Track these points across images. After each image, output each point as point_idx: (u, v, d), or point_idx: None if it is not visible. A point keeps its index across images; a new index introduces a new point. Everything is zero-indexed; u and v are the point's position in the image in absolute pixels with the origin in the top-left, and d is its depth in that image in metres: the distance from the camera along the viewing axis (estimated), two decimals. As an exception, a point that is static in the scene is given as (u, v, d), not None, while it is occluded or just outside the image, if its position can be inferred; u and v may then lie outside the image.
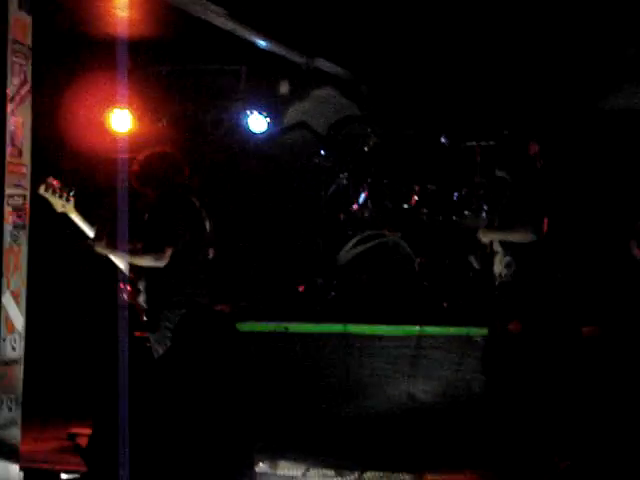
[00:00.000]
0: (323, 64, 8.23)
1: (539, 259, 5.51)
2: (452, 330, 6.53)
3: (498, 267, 5.63)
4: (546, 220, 5.45)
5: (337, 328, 6.68)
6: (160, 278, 5.28)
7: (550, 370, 5.58)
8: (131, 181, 5.46)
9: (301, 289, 7.70)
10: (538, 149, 5.79)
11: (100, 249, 5.25)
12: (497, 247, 5.61)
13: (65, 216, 5.30)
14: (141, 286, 5.35)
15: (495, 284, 5.60)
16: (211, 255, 5.61)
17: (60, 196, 5.22)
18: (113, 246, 5.25)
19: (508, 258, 5.56)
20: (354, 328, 6.64)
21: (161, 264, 5.18)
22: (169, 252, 5.18)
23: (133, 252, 5.25)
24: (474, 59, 7.72)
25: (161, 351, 5.13)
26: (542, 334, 5.53)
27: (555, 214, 5.57)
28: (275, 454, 5.77)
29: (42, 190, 5.20)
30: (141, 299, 5.33)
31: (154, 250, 5.18)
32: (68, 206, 5.25)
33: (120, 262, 5.38)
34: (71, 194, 5.24)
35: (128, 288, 5.36)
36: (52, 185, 5.21)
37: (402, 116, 8.47)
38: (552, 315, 5.59)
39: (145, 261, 5.24)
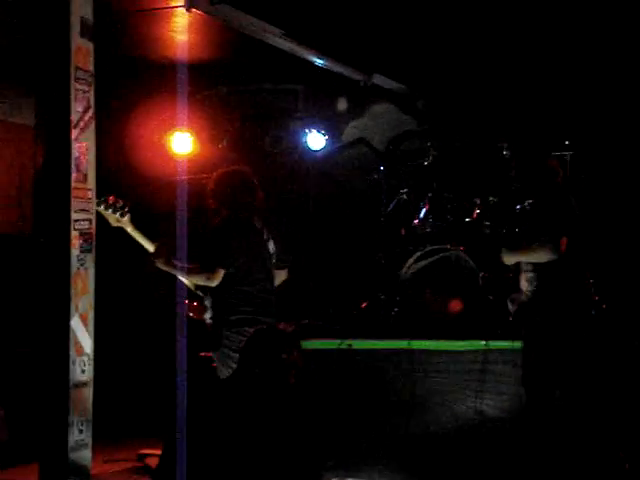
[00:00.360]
0: (380, 80, 8.23)
1: (561, 274, 5.52)
2: (518, 344, 6.44)
3: (524, 284, 5.64)
4: (565, 239, 5.47)
5: (401, 344, 6.63)
6: (222, 296, 5.33)
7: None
8: (206, 198, 5.55)
9: (364, 306, 7.67)
10: (557, 163, 5.82)
11: (160, 265, 5.34)
12: (524, 265, 5.65)
13: (131, 238, 5.38)
14: (207, 303, 5.40)
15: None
16: (284, 277, 5.65)
17: (114, 211, 5.29)
18: (172, 264, 5.32)
19: (530, 274, 5.58)
20: (418, 344, 6.58)
21: (212, 284, 5.28)
22: (221, 273, 5.26)
23: (189, 271, 5.32)
24: (532, 69, 7.66)
25: (224, 370, 5.15)
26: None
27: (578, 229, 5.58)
28: (345, 472, 5.75)
29: (96, 205, 5.28)
30: (207, 316, 5.39)
31: (206, 270, 5.26)
32: (123, 220, 5.33)
33: (184, 279, 5.44)
34: (125, 209, 5.31)
35: (194, 304, 5.41)
36: (106, 200, 5.29)
37: (461, 129, 8.43)
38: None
39: (198, 280, 5.33)
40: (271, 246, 5.57)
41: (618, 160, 6.91)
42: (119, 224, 5.35)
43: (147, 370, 7.59)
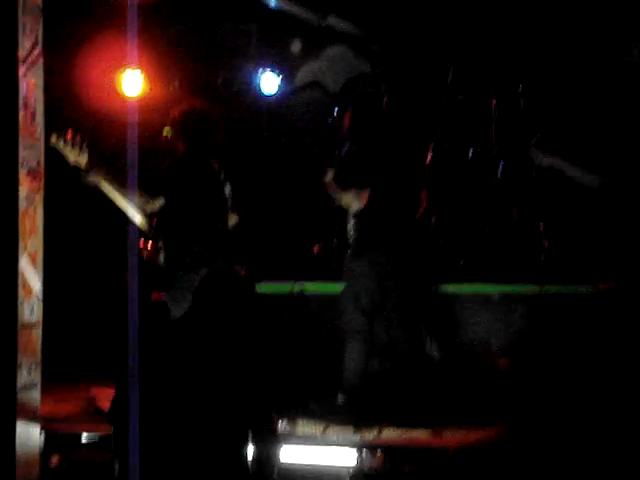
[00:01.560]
0: (335, 22, 8.15)
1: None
2: (469, 288, 6.53)
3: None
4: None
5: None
6: (176, 237, 5.28)
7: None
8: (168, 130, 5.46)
9: (316, 249, 7.69)
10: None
11: (93, 178, 5.14)
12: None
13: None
14: (161, 244, 5.34)
15: None
16: (234, 221, 5.60)
17: (73, 146, 5.14)
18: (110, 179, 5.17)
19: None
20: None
21: (148, 209, 5.18)
22: (160, 200, 5.19)
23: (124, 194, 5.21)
24: (487, 13, 7.64)
25: (176, 312, 5.13)
26: None
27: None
28: (294, 413, 5.80)
29: (54, 140, 5.10)
30: (161, 257, 5.33)
31: (147, 193, 5.15)
32: (81, 157, 5.18)
33: (135, 218, 5.34)
34: (84, 144, 5.17)
35: (148, 245, 5.34)
36: (65, 135, 5.12)
37: (415, 73, 8.40)
38: None
39: (135, 202, 5.22)
40: (227, 189, 5.52)
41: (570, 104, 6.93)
42: (77, 162, 5.21)
43: (98, 312, 7.54)
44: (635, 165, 6.20)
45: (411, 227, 5.92)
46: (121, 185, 5.25)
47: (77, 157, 5.09)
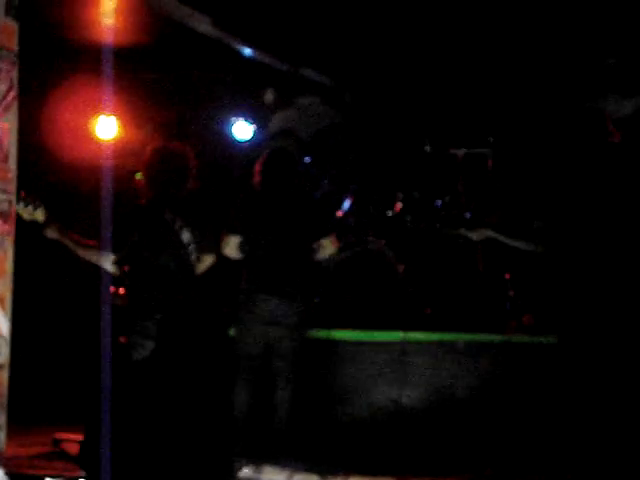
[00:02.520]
0: (308, 72, 8.28)
1: None
2: (435, 336, 6.58)
3: None
4: None
5: (321, 334, 6.71)
6: (133, 284, 5.32)
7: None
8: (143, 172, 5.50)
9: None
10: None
11: (51, 233, 5.23)
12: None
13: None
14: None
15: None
16: (210, 261, 5.61)
17: (26, 205, 5.22)
18: (65, 234, 5.22)
19: None
20: (338, 334, 6.67)
21: (104, 265, 5.23)
22: (111, 257, 5.25)
23: (83, 245, 5.25)
24: (456, 67, 7.79)
25: (136, 356, 5.14)
26: None
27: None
28: (259, 459, 5.79)
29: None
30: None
31: (101, 249, 5.20)
32: (37, 214, 5.25)
33: (105, 264, 5.38)
34: (36, 202, 5.25)
35: (120, 291, 5.38)
36: (18, 195, 5.23)
37: (386, 124, 8.52)
38: None
39: (89, 256, 5.27)
40: (185, 236, 5.52)
41: (537, 156, 7.06)
42: (31, 217, 5.28)
43: (64, 355, 7.51)
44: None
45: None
46: (85, 235, 5.32)
47: (31, 214, 5.18)
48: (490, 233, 5.27)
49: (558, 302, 4.46)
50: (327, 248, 5.95)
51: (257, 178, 6.07)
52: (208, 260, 5.67)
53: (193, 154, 5.63)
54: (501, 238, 5.26)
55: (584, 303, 4.32)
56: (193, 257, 5.48)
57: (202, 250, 5.59)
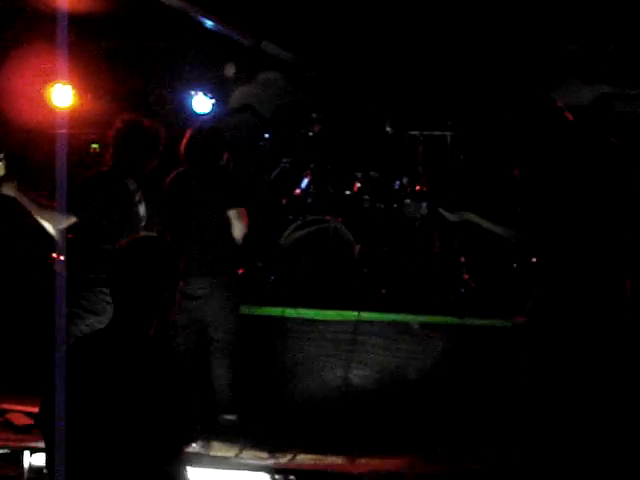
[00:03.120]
0: (270, 47, 8.20)
1: None
2: (390, 317, 6.59)
3: None
4: None
5: (275, 312, 6.69)
6: (82, 253, 5.24)
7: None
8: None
9: (241, 272, 7.67)
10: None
11: (6, 190, 5.12)
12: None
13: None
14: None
15: None
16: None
17: None
18: (24, 192, 5.12)
19: None
20: (292, 312, 6.65)
21: (58, 226, 5.13)
22: (71, 219, 5.15)
23: (40, 205, 5.16)
24: (418, 49, 7.77)
25: (73, 329, 5.07)
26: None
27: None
28: (209, 435, 5.77)
29: None
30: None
31: (59, 211, 5.11)
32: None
33: (52, 230, 5.28)
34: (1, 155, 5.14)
35: (62, 259, 5.29)
36: None
37: (347, 103, 8.49)
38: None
39: (46, 218, 5.18)
40: (142, 209, 5.47)
41: (495, 141, 7.09)
42: None
43: (9, 325, 7.39)
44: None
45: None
46: (47, 197, 5.22)
47: None
48: (472, 217, 5.25)
49: (531, 288, 4.45)
50: (236, 222, 5.85)
51: (182, 155, 6.00)
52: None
53: (165, 133, 5.59)
54: (483, 222, 5.24)
55: (559, 288, 4.31)
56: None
57: (150, 227, 5.54)
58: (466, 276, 7.22)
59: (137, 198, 5.42)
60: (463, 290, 7.11)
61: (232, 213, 5.84)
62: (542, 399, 4.41)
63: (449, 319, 6.52)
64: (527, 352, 4.52)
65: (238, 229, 5.87)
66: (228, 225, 5.87)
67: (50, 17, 6.11)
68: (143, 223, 5.48)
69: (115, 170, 5.42)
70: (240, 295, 6.12)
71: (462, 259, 7.33)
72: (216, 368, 5.90)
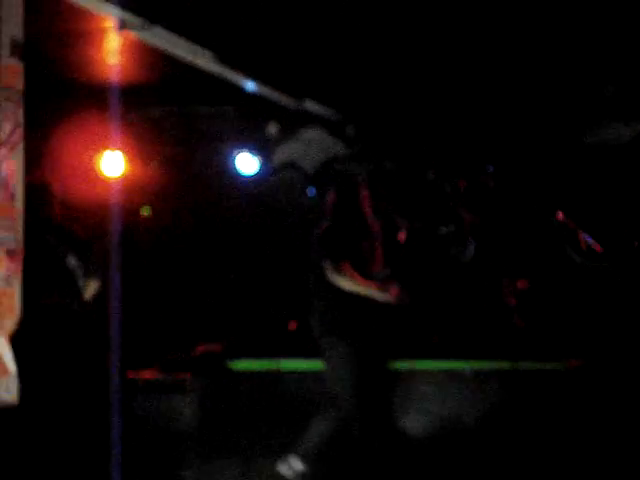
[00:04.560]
0: (311, 106, 8.35)
1: None
2: (443, 364, 6.58)
3: None
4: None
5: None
6: None
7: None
8: None
9: (293, 326, 7.74)
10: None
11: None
12: None
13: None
14: None
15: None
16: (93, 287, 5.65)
17: None
18: None
19: None
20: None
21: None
22: None
23: None
24: (455, 97, 7.85)
25: None
26: None
27: None
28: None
29: None
30: None
31: None
32: None
33: None
34: None
35: None
36: None
37: (389, 154, 8.58)
38: None
39: None
40: (72, 260, 5.58)
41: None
42: None
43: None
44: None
45: None
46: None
47: None
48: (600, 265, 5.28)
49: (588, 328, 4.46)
50: None
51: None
52: (92, 285, 5.69)
53: (57, 182, 5.73)
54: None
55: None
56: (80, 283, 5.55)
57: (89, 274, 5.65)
58: (518, 319, 7.21)
59: (61, 249, 5.57)
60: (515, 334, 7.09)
61: None
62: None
63: (502, 364, 6.50)
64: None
65: None
66: None
67: (100, 89, 6.35)
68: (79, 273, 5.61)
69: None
70: None
71: (513, 302, 7.32)
72: None
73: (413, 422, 6.41)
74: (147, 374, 6.80)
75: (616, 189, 6.88)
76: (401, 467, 5.92)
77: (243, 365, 6.91)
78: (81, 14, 5.74)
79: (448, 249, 7.56)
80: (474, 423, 6.32)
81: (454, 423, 6.37)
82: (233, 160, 8.47)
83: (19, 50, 5.25)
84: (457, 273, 7.49)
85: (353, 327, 5.62)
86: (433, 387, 6.45)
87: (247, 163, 8.45)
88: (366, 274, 5.75)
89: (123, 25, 6.20)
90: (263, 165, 8.56)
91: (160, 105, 8.32)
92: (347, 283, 5.69)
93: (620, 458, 5.25)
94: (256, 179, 8.61)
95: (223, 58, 6.97)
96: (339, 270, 5.72)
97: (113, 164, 7.97)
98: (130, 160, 8.12)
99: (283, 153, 8.76)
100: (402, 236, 7.82)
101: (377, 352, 5.68)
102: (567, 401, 6.04)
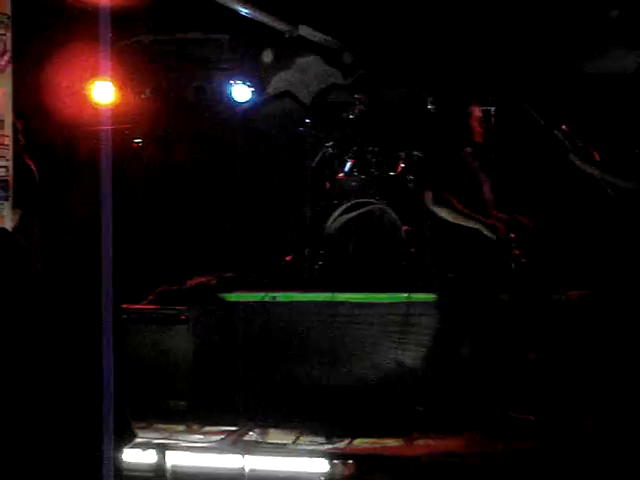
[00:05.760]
0: (307, 32, 8.16)
1: None
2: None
3: None
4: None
5: (325, 297, 6.67)
6: None
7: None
8: None
9: (288, 259, 7.68)
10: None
11: None
12: None
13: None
14: None
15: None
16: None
17: None
18: None
19: None
20: (342, 296, 6.63)
21: None
22: None
23: None
24: (456, 23, 7.68)
25: None
26: None
27: None
28: (265, 423, 5.78)
29: None
30: None
31: None
32: None
33: None
34: None
35: None
36: None
37: (387, 83, 8.43)
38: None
39: None
40: None
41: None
42: None
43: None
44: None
45: None
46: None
47: None
48: (596, 172, 5.23)
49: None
50: None
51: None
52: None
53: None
54: (606, 177, 5.23)
55: None
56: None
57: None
58: (517, 252, 7.13)
59: None
60: (514, 266, 7.02)
61: None
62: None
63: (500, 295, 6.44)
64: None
65: None
66: None
67: (90, 14, 6.15)
68: None
69: None
70: None
71: (512, 235, 7.24)
72: None
73: (412, 354, 6.38)
74: (141, 306, 6.74)
75: (619, 120, 6.75)
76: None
77: (237, 297, 6.86)
78: None
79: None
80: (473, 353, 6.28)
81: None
82: (227, 88, 8.30)
83: (5, -28, 5.07)
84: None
85: None
86: (432, 319, 6.39)
87: (242, 91, 8.28)
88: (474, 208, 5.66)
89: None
90: (258, 94, 8.41)
91: (152, 32, 8.14)
92: (449, 214, 5.62)
93: (622, 388, 5.23)
94: (251, 108, 8.46)
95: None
96: (441, 200, 5.61)
97: (104, 92, 7.80)
98: (121, 88, 7.95)
99: (278, 81, 8.61)
100: (399, 167, 7.70)
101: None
102: (569, 333, 6.01)
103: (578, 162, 5.48)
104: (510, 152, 7.15)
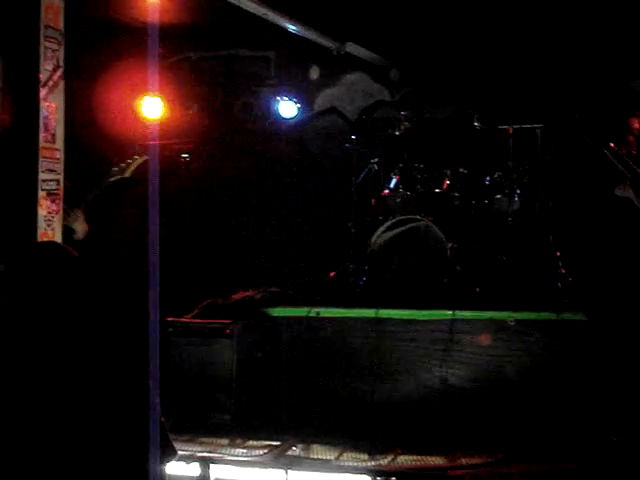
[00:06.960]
0: (354, 49, 8.20)
1: None
2: (485, 314, 6.50)
3: None
4: None
5: (369, 313, 6.67)
6: None
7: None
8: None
9: (332, 275, 7.69)
10: None
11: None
12: None
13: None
14: None
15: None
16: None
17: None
18: None
19: None
20: (386, 313, 6.62)
21: None
22: None
23: None
24: (506, 42, 7.66)
25: None
26: None
27: None
28: (308, 438, 5.79)
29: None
30: None
31: None
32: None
33: None
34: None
35: None
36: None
37: (433, 100, 8.42)
38: None
39: None
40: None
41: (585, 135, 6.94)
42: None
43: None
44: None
45: None
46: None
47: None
48: (630, 194, 5.20)
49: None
50: None
51: None
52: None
53: None
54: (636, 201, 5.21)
55: None
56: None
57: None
58: (562, 270, 7.09)
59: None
60: (560, 285, 6.98)
61: None
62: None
63: (546, 315, 6.40)
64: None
65: None
66: None
67: (140, 30, 6.24)
68: None
69: None
70: None
71: (557, 253, 7.20)
72: None
73: (456, 371, 6.35)
74: (186, 319, 6.80)
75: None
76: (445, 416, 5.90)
77: (281, 312, 6.88)
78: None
79: (493, 198, 7.44)
80: (517, 374, 6.24)
81: (497, 373, 6.29)
82: (274, 104, 8.36)
83: (60, -12, 5.16)
84: (501, 223, 7.37)
85: None
86: (477, 337, 6.36)
87: (288, 107, 8.34)
88: None
89: (164, -36, 6.07)
90: (304, 110, 8.45)
91: (200, 48, 8.23)
92: None
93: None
94: (297, 124, 8.51)
95: (266, -1, 6.86)
96: None
97: (152, 107, 7.90)
98: (169, 104, 8.05)
99: (325, 98, 8.64)
100: (445, 184, 7.67)
101: None
102: (610, 352, 5.94)
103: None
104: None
